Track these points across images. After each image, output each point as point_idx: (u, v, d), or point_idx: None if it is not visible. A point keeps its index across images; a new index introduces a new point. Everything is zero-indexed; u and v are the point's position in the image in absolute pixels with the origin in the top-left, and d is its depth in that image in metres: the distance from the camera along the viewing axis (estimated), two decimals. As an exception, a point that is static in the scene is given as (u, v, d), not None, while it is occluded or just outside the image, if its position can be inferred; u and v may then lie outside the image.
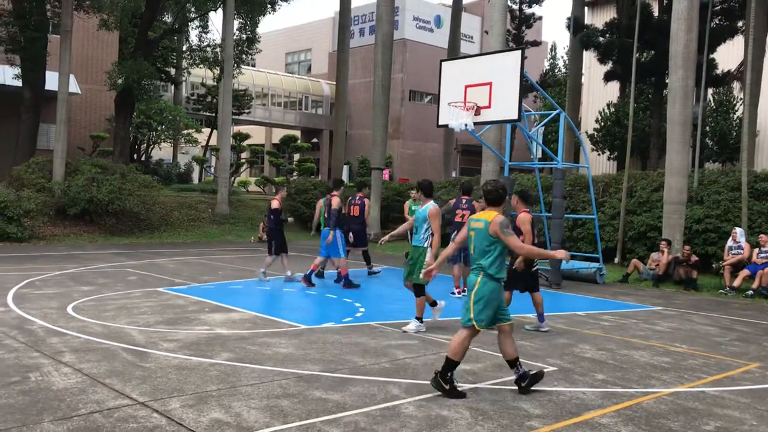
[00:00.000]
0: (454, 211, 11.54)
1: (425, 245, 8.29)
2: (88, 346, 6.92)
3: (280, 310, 9.40)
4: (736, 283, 13.45)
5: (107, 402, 5.15)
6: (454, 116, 12.96)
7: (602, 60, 25.83)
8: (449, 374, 5.65)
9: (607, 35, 25.28)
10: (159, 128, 30.69)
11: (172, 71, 33.65)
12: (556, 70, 47.93)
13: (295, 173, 35.87)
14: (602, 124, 31.32)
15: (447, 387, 5.61)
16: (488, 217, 5.82)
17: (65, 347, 6.82)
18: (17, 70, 23.00)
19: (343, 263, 11.97)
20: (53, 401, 5.12)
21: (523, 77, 12.50)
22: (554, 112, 14.64)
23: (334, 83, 33.71)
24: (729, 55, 24.78)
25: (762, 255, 13.50)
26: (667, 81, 17.68)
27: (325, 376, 6.12)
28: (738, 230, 14.22)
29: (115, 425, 4.66)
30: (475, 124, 13.06)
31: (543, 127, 24.91)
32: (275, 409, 5.13)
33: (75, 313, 8.64)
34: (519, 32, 33.75)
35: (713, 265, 14.68)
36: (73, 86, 25.09)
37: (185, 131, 32.65)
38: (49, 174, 20.58)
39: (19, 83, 23.17)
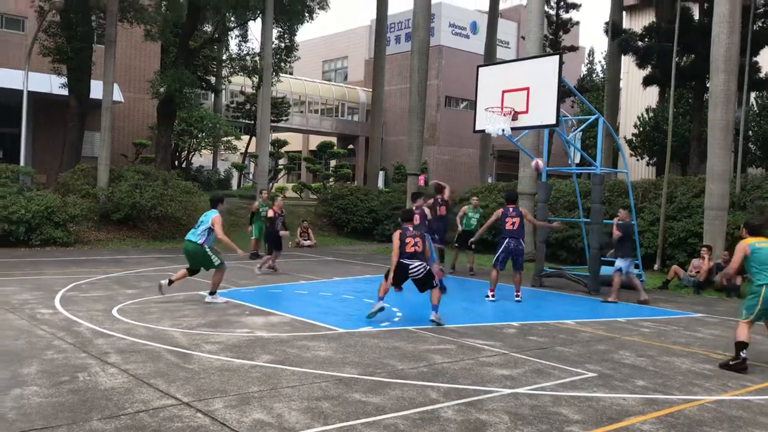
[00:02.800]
0: (503, 219, 11.83)
1: (200, 242, 10.03)
2: (134, 347, 7.11)
3: (318, 314, 9.50)
4: (781, 290, 13.14)
5: (153, 402, 5.29)
6: (491, 121, 12.95)
7: (641, 64, 25.47)
8: None
9: (646, 39, 24.93)
10: (199, 135, 31.22)
11: (213, 79, 34.21)
12: (593, 75, 47.45)
13: (331, 179, 36.13)
14: (641, 129, 30.90)
15: None
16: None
17: (111, 348, 7.01)
18: (63, 80, 23.64)
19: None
20: (101, 400, 5.28)
21: (560, 82, 12.45)
22: (592, 117, 14.52)
23: (371, 90, 33.89)
24: (773, 58, 24.24)
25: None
26: (707, 85, 17.41)
27: (364, 379, 6.18)
28: None
29: (161, 424, 4.79)
30: (513, 129, 13.02)
31: (581, 132, 24.66)
32: (316, 410, 5.22)
33: (120, 315, 8.86)
34: (556, 37, 33.55)
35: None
36: (117, 95, 25.70)
37: (225, 138, 33.14)
38: (93, 180, 21.09)
39: (65, 92, 23.81)
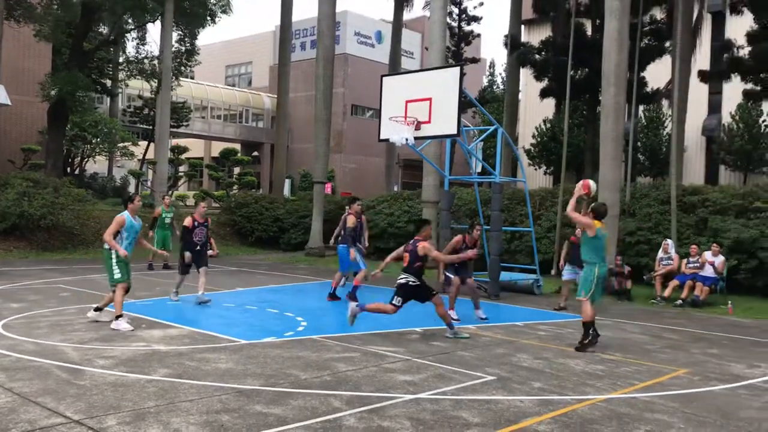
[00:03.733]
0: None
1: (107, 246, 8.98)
2: (19, 364, 6.69)
3: (219, 326, 9.27)
4: (667, 293, 13.96)
5: (39, 421, 5.00)
6: (395, 131, 13.10)
7: (538, 77, 26.49)
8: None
9: (543, 53, 25.97)
10: (94, 141, 29.86)
11: (108, 83, 32.87)
12: (494, 87, 48.91)
13: (235, 187, 35.46)
14: (539, 139, 32.12)
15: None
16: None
17: (-6, 366, 6.58)
18: (-58, 80, 22.11)
19: (361, 276, 11.75)
20: (-19, 422, 4.94)
21: (462, 93, 12.74)
22: (492, 128, 14.95)
23: (275, 96, 33.59)
24: (658, 73, 25.78)
25: (690, 265, 14.07)
26: (600, 98, 18.30)
27: (265, 390, 6.08)
28: (669, 242, 14.78)
29: (48, 445, 4.53)
30: (416, 138, 13.22)
31: (482, 142, 25.32)
32: (215, 424, 5.08)
33: (5, 330, 8.33)
34: (458, 49, 34.38)
35: (644, 276, 15.20)
36: (3, 97, 24.23)
37: (121, 144, 31.87)
38: (-24, 188, 19.80)
39: (-56, 93, 22.26)
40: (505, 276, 14.71)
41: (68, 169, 30.54)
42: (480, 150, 25.58)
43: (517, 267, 16.76)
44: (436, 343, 8.70)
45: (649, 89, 25.44)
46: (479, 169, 24.02)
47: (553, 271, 17.48)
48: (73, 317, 9.49)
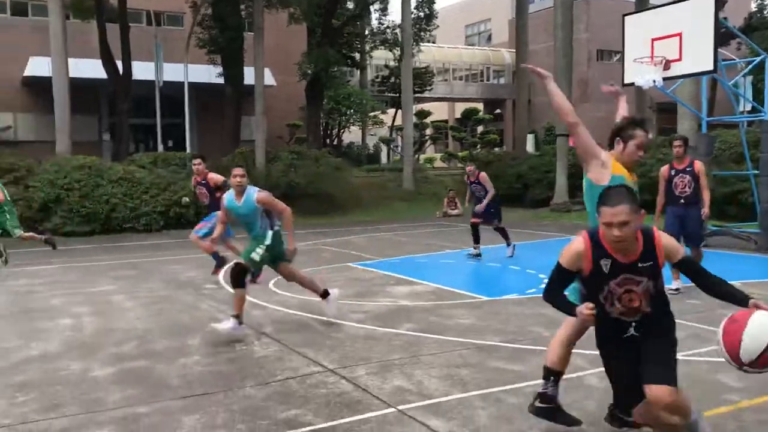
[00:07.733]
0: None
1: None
2: (286, 318, 7.50)
3: (462, 283, 9.49)
4: None
5: (301, 369, 5.56)
6: (640, 73, 12.17)
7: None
8: None
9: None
10: (348, 113, 32.05)
11: (357, 56, 34.89)
12: (765, 12, 42.92)
13: (478, 146, 35.77)
14: (823, 66, 27.66)
15: None
16: None
17: (266, 320, 7.43)
18: (219, 69, 25.11)
19: None
20: (254, 368, 5.63)
21: (718, 23, 11.40)
22: (758, 59, 13.21)
23: (515, 51, 33.00)
24: None
25: None
26: None
27: (505, 347, 6.11)
28: None
29: (308, 390, 5.02)
30: (665, 79, 12.14)
31: (751, 77, 22.47)
32: (455, 377, 5.23)
33: (276, 288, 9.36)
34: (717, -26, 30.68)
35: None
36: (269, 79, 26.92)
37: (372, 113, 33.78)
38: (252, 162, 22.35)
39: (222, 81, 25.30)
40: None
41: (327, 141, 33.18)
42: (749, 86, 22.80)
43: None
44: (692, 301, 8.04)
45: None
46: (748, 108, 21.41)
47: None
48: (333, 275, 10.34)
